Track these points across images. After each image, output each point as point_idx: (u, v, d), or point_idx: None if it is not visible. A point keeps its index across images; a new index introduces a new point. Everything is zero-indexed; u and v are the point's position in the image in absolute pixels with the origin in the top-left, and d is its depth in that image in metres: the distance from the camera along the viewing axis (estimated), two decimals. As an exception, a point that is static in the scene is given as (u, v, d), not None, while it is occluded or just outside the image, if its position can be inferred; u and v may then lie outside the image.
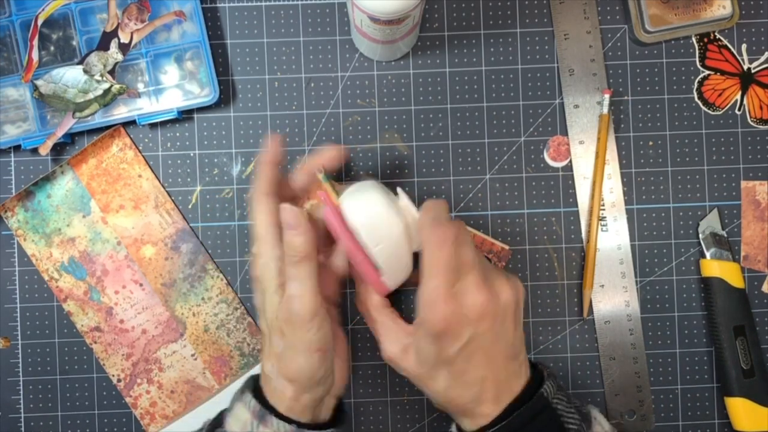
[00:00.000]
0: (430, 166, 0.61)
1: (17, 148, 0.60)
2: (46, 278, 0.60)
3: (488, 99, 0.61)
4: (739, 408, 0.59)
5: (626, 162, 0.61)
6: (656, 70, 0.61)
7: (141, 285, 0.60)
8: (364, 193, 0.48)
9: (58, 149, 0.60)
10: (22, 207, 0.60)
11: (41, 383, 0.60)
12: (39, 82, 0.58)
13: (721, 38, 0.61)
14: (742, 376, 0.59)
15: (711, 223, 0.60)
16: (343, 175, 0.60)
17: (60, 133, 0.58)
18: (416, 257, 0.47)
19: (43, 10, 0.57)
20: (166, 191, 0.60)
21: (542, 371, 0.48)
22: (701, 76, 0.61)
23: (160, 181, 0.60)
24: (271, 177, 0.50)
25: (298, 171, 0.51)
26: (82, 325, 0.60)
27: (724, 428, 0.61)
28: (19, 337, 0.60)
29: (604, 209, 0.60)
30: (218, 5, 0.60)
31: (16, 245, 0.60)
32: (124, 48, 0.58)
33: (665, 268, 0.61)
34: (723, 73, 0.61)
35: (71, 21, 0.58)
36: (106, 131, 0.59)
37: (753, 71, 0.61)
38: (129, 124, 0.60)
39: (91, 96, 0.58)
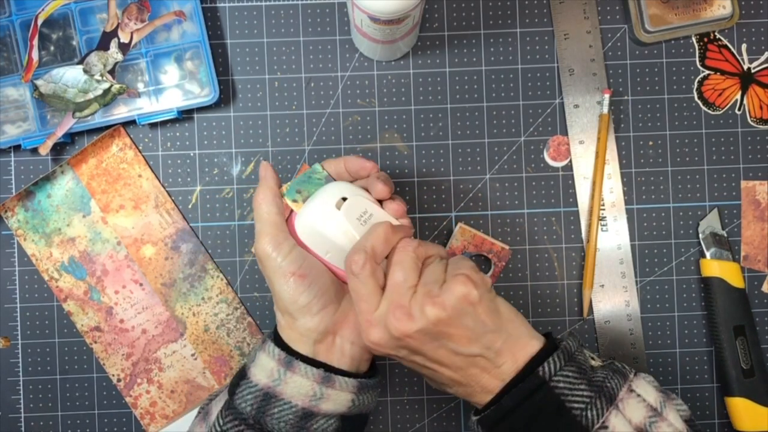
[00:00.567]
0: (430, 166, 0.61)
1: (17, 148, 0.60)
2: (46, 278, 0.60)
3: (488, 99, 0.61)
4: (740, 408, 0.59)
5: (626, 162, 0.61)
6: (656, 70, 0.61)
7: (141, 285, 0.60)
8: (310, 203, 0.50)
9: (58, 149, 0.60)
10: (22, 207, 0.60)
11: (41, 383, 0.60)
12: (39, 82, 0.58)
13: (721, 38, 0.61)
14: (742, 376, 0.59)
15: (711, 223, 0.60)
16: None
17: (60, 133, 0.58)
18: None
19: (43, 10, 0.57)
20: (166, 191, 0.60)
21: (555, 343, 0.47)
22: (701, 75, 0.61)
23: (160, 181, 0.60)
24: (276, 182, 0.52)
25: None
26: (82, 325, 0.60)
27: (724, 428, 0.61)
28: (19, 337, 0.60)
29: (604, 209, 0.60)
30: (218, 5, 0.60)
31: (16, 245, 0.60)
32: (124, 48, 0.58)
33: (665, 268, 0.61)
34: (723, 72, 0.61)
35: (71, 21, 0.58)
36: (106, 131, 0.59)
37: (753, 71, 0.61)
38: (129, 124, 0.60)
39: (91, 96, 0.58)
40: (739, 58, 0.61)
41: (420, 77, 0.61)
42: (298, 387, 0.46)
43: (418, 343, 0.45)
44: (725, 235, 0.60)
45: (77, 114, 0.58)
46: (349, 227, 0.48)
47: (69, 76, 0.58)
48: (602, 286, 0.60)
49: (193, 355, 0.60)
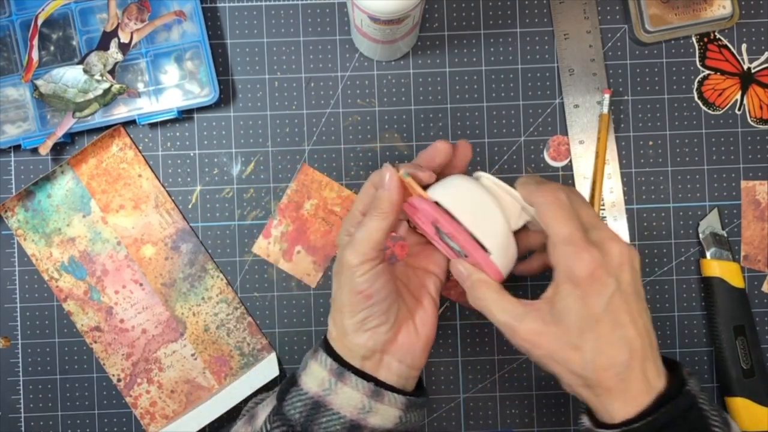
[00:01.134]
0: (430, 166, 0.61)
1: (17, 147, 0.60)
2: (46, 278, 0.60)
3: (488, 99, 0.61)
4: (740, 408, 0.59)
5: (626, 162, 0.61)
6: (656, 70, 0.61)
7: (141, 285, 0.60)
8: (451, 181, 0.48)
9: (58, 149, 0.60)
10: (22, 207, 0.60)
11: (41, 383, 0.60)
12: (39, 82, 0.58)
13: (721, 38, 0.61)
14: (742, 376, 0.59)
15: (711, 223, 0.60)
16: (343, 175, 0.60)
17: (60, 132, 0.58)
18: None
19: (43, 9, 0.57)
20: (166, 191, 0.60)
21: (678, 364, 0.46)
22: (701, 75, 0.61)
23: (160, 181, 0.60)
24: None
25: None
26: (82, 325, 0.60)
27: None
28: (19, 337, 0.60)
29: (604, 209, 0.60)
30: (218, 5, 0.60)
31: (16, 245, 0.60)
32: (124, 48, 0.58)
33: (665, 268, 0.61)
34: (723, 72, 0.61)
35: (71, 21, 0.58)
36: (106, 131, 0.59)
37: (753, 71, 0.61)
38: (129, 123, 0.60)
39: (91, 96, 0.58)
40: (739, 58, 0.61)
41: (420, 77, 0.61)
42: (348, 398, 0.46)
43: (630, 275, 0.44)
44: (725, 235, 0.60)
45: (77, 114, 0.58)
46: (502, 192, 0.48)
47: (69, 76, 0.58)
48: (602, 286, 0.60)
49: (193, 355, 0.60)
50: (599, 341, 0.44)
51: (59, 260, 0.60)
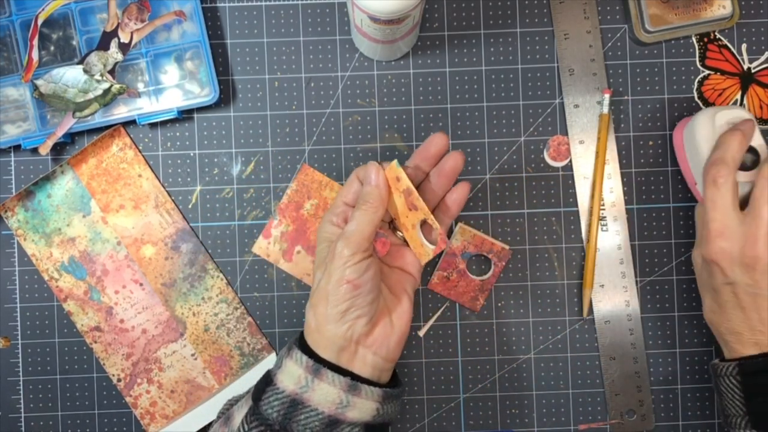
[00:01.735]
0: (430, 166, 0.61)
1: (17, 147, 0.60)
2: (46, 278, 0.60)
3: (488, 99, 0.61)
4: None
5: (626, 162, 0.61)
6: (656, 70, 0.61)
7: (141, 285, 0.60)
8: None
9: (58, 149, 0.60)
10: (22, 207, 0.60)
11: (41, 383, 0.60)
12: (39, 82, 0.58)
13: (721, 38, 0.61)
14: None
15: None
16: (343, 175, 0.60)
17: (60, 132, 0.58)
18: None
19: (43, 9, 0.57)
20: (166, 191, 0.60)
21: None
22: (701, 75, 0.61)
23: (160, 181, 0.60)
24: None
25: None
26: (82, 325, 0.60)
27: (724, 428, 0.61)
28: (19, 337, 0.60)
29: (604, 209, 0.60)
30: (218, 5, 0.60)
31: (16, 245, 0.60)
32: (124, 48, 0.58)
33: (665, 268, 0.61)
34: (723, 72, 0.61)
35: (71, 21, 0.58)
36: (106, 131, 0.59)
37: (753, 71, 0.61)
38: (129, 123, 0.60)
39: (91, 96, 0.58)
40: (739, 58, 0.61)
41: (420, 77, 0.61)
42: (325, 394, 0.47)
43: (756, 278, 0.50)
44: None
45: (77, 114, 0.58)
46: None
47: (69, 76, 0.58)
48: (602, 286, 0.60)
49: (193, 355, 0.60)
50: (714, 304, 0.54)
51: (59, 260, 0.60)
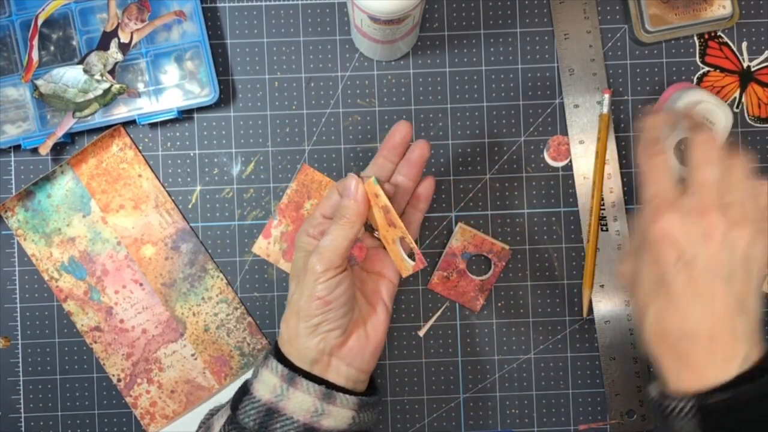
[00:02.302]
0: (430, 165, 0.61)
1: (17, 147, 0.60)
2: (46, 278, 0.60)
3: (488, 99, 0.61)
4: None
5: (626, 162, 0.61)
6: (656, 70, 0.61)
7: (141, 285, 0.60)
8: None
9: (58, 149, 0.60)
10: (22, 207, 0.60)
11: (41, 383, 0.60)
12: (39, 82, 0.58)
13: (722, 35, 0.61)
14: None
15: None
16: (343, 175, 0.60)
17: (60, 132, 0.58)
18: None
19: (43, 9, 0.58)
20: (166, 191, 0.60)
21: None
22: (701, 72, 0.61)
23: (160, 181, 0.60)
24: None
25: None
26: (82, 325, 0.60)
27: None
28: (19, 337, 0.60)
29: (604, 209, 0.60)
30: (218, 5, 0.60)
31: (16, 245, 0.60)
32: (124, 48, 0.58)
33: (665, 268, 0.61)
34: (723, 70, 0.61)
35: (71, 21, 0.58)
36: (106, 131, 0.59)
37: (753, 69, 0.61)
38: (129, 123, 0.60)
39: (91, 96, 0.58)
40: (739, 56, 0.61)
41: (420, 77, 0.61)
42: (300, 403, 0.47)
43: (715, 249, 0.42)
44: None
45: (77, 114, 0.58)
46: None
47: (69, 76, 0.58)
48: (602, 286, 0.60)
49: (193, 355, 0.60)
50: (662, 305, 0.43)
51: (59, 260, 0.60)
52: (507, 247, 0.60)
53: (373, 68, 0.61)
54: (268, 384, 0.48)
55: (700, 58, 0.61)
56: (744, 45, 0.61)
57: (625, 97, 0.61)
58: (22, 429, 0.60)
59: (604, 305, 0.60)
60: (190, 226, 0.60)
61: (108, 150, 0.60)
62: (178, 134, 0.60)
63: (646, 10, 0.59)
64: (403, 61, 0.61)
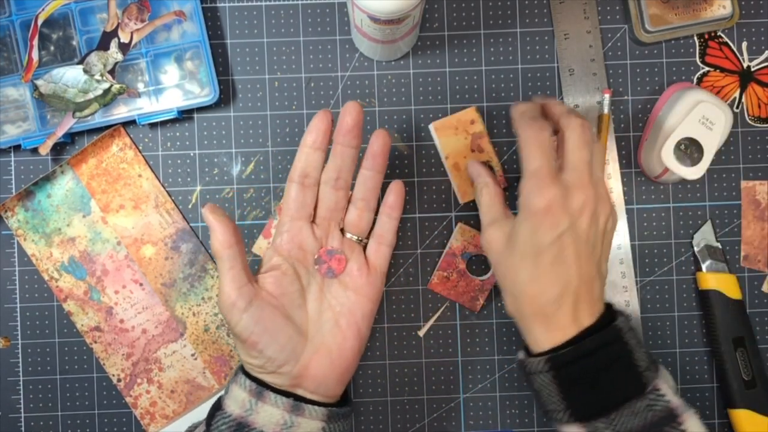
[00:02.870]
0: (430, 166, 0.61)
1: (17, 147, 0.60)
2: (46, 278, 0.60)
3: (488, 99, 0.61)
4: (743, 419, 0.58)
5: (626, 162, 0.61)
6: (656, 70, 0.61)
7: (141, 285, 0.60)
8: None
9: (58, 149, 0.60)
10: (22, 207, 0.60)
11: (41, 383, 0.60)
12: (39, 82, 0.58)
13: (722, 35, 0.61)
14: (743, 388, 0.58)
15: (705, 235, 0.60)
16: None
17: (60, 132, 0.58)
18: None
19: (43, 9, 0.58)
20: (166, 191, 0.60)
21: (614, 308, 0.50)
22: (701, 72, 0.61)
23: (160, 181, 0.60)
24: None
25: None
26: (82, 325, 0.60)
27: (724, 428, 0.61)
28: (19, 337, 0.60)
29: (604, 209, 0.60)
30: (218, 5, 0.60)
31: (16, 245, 0.60)
32: (124, 48, 0.58)
33: (665, 268, 0.61)
34: (723, 70, 0.61)
35: (71, 21, 0.58)
36: (106, 131, 0.59)
37: (753, 69, 0.61)
38: (129, 123, 0.60)
39: (91, 96, 0.58)
40: (739, 56, 0.61)
41: (420, 77, 0.61)
42: (269, 416, 0.47)
43: (587, 221, 0.47)
44: (719, 246, 0.60)
45: (77, 114, 0.58)
46: None
47: (69, 76, 0.58)
48: (602, 286, 0.60)
49: (193, 355, 0.60)
50: (536, 270, 0.47)
51: (59, 260, 0.60)
52: (507, 247, 0.60)
53: (373, 68, 0.61)
54: (238, 399, 0.48)
55: (700, 58, 0.61)
56: (744, 45, 0.61)
57: (625, 97, 0.61)
58: (22, 429, 0.60)
59: (604, 305, 0.60)
60: (190, 226, 0.60)
61: (108, 150, 0.60)
62: (178, 134, 0.60)
63: (646, 10, 0.59)
64: (403, 61, 0.61)
